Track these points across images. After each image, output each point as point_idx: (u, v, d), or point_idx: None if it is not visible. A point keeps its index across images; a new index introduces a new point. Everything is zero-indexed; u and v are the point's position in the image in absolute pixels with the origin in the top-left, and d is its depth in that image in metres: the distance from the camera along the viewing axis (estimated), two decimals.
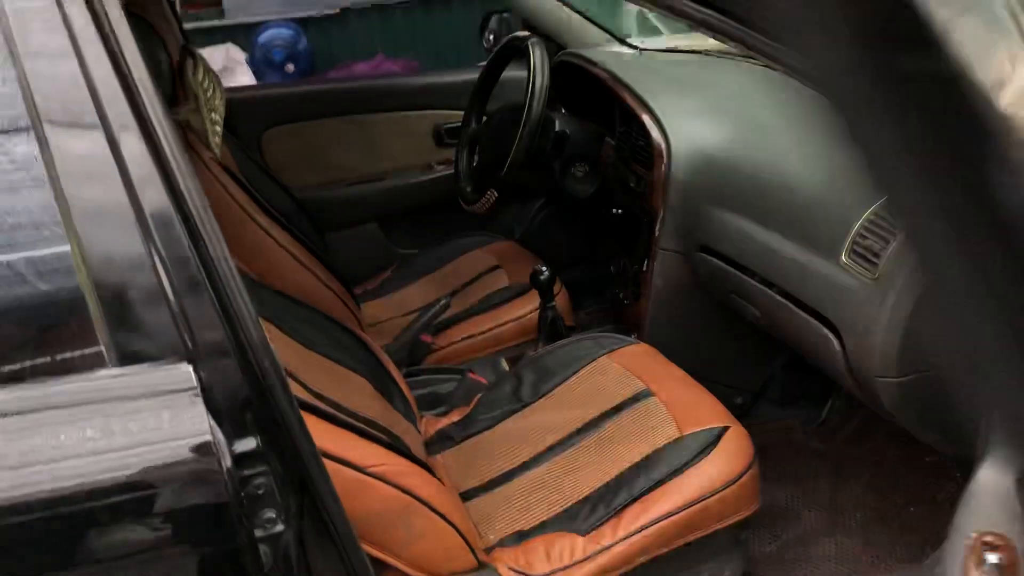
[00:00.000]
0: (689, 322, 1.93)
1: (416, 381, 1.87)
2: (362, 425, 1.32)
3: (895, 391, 1.32)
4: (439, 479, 1.37)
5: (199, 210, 0.91)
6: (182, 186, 0.91)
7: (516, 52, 2.11)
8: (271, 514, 0.95)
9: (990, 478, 0.79)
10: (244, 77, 4.08)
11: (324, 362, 1.53)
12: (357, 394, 1.51)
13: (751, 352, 1.97)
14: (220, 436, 0.91)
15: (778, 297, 1.54)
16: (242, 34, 4.24)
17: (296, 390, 1.30)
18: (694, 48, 2.48)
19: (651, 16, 3.88)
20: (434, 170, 2.51)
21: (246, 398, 0.94)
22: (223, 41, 4.16)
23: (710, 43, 2.25)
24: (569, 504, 1.43)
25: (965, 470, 1.72)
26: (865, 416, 1.99)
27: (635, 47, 2.51)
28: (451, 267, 2.31)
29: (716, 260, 1.71)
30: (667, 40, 2.78)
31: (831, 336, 1.41)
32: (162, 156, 0.91)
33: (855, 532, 1.73)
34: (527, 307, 2.03)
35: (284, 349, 1.39)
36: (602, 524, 1.37)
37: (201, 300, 0.91)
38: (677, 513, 1.37)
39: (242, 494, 0.92)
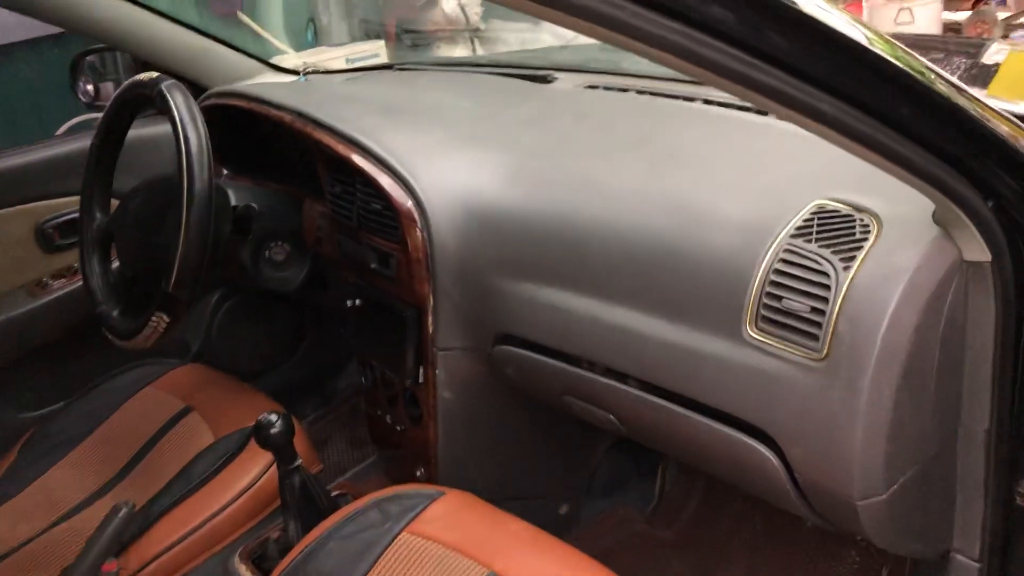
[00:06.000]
0: (494, 438, 1.38)
1: None
2: None
3: (882, 510, 0.90)
4: None
5: None
6: None
7: (142, 103, 1.43)
8: None
9: None
10: None
11: None
12: None
13: (574, 449, 1.49)
14: None
15: (649, 396, 1.06)
16: None
17: None
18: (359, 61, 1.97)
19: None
20: (49, 289, 1.72)
21: None
22: None
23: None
24: None
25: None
26: (708, 479, 1.60)
27: (294, 71, 1.95)
28: (113, 424, 1.57)
29: (532, 354, 1.18)
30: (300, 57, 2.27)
31: (759, 448, 0.95)
32: None
33: None
34: (255, 466, 1.37)
35: None
36: None
37: None
38: None
39: None
